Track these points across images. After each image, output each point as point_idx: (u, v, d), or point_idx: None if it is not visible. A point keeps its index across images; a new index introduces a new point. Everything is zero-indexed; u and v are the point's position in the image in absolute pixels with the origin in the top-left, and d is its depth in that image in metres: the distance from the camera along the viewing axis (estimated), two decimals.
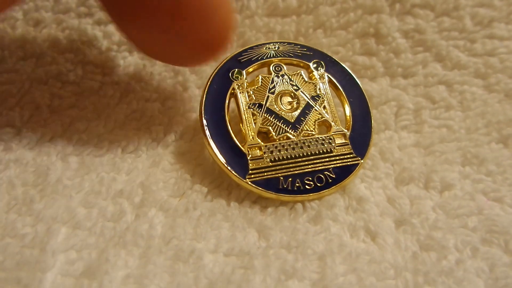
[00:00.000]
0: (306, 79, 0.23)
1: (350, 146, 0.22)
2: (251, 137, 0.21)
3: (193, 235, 0.19)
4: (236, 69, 0.22)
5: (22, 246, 0.18)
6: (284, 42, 0.24)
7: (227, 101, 0.22)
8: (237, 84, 0.22)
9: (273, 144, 0.21)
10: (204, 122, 0.21)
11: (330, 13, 0.26)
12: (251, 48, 0.23)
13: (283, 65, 0.23)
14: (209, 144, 0.21)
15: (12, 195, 0.20)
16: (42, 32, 0.26)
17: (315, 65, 0.23)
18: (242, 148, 0.21)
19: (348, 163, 0.21)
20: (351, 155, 0.21)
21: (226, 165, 0.20)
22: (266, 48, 0.23)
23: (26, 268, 0.17)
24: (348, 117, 0.23)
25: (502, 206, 0.21)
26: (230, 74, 0.22)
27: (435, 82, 0.25)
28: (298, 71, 0.23)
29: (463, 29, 0.25)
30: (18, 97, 0.24)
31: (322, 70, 0.23)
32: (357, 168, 0.21)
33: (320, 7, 0.26)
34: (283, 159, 0.21)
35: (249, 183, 0.20)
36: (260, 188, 0.20)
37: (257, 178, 0.20)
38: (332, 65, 0.24)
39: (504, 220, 0.20)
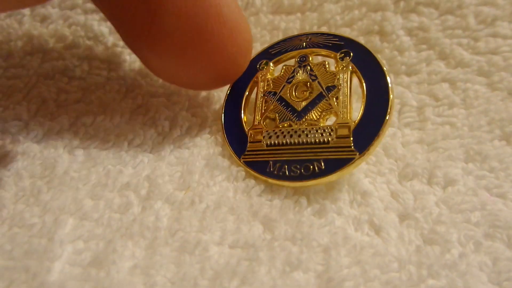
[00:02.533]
0: (327, 70, 0.22)
1: (351, 139, 0.20)
2: (256, 121, 0.22)
3: (198, 227, 0.19)
4: (265, 60, 0.23)
5: (30, 236, 0.18)
6: (317, 33, 0.24)
7: (248, 89, 0.23)
8: (261, 74, 0.23)
9: (273, 130, 0.22)
10: (224, 107, 0.23)
11: (335, 10, 0.26)
12: (284, 40, 0.24)
13: (308, 55, 0.23)
14: (222, 125, 0.23)
15: (20, 186, 0.20)
16: (48, 28, 0.26)
17: (342, 55, 0.22)
18: (246, 131, 0.22)
19: (342, 157, 0.20)
20: (348, 149, 0.20)
21: (228, 144, 0.22)
22: (298, 39, 0.24)
23: (34, 257, 0.17)
24: (362, 110, 0.21)
25: (505, 202, 0.21)
26: (258, 65, 0.23)
27: (439, 79, 0.25)
28: (323, 62, 0.23)
29: (467, 28, 0.25)
30: (25, 92, 0.24)
31: (348, 60, 0.22)
32: (350, 163, 0.20)
33: (324, 5, 0.26)
34: (278, 145, 0.21)
35: (242, 162, 0.21)
36: (249, 168, 0.21)
37: (250, 159, 0.21)
38: (362, 55, 0.22)
39: (507, 215, 0.20)
